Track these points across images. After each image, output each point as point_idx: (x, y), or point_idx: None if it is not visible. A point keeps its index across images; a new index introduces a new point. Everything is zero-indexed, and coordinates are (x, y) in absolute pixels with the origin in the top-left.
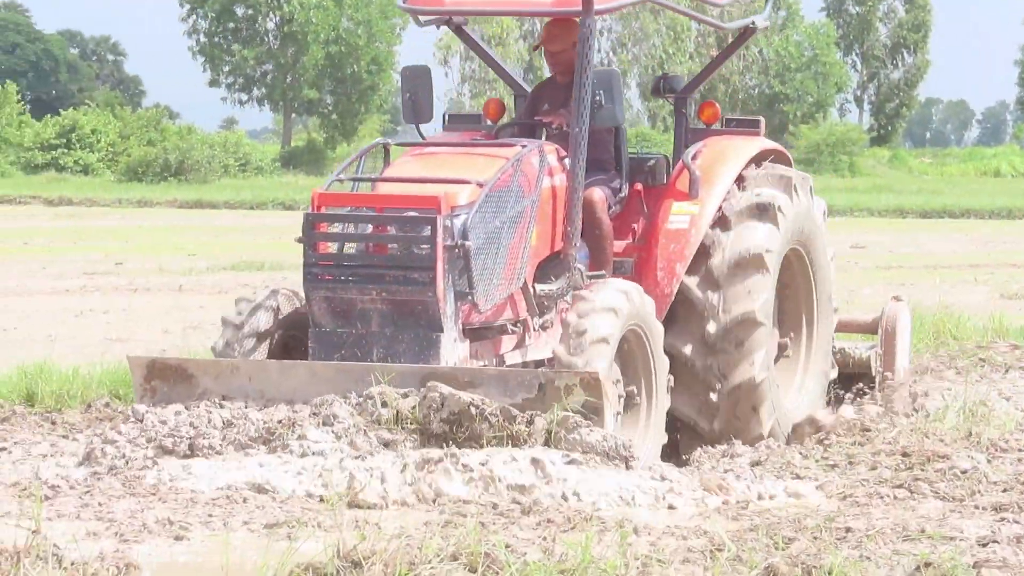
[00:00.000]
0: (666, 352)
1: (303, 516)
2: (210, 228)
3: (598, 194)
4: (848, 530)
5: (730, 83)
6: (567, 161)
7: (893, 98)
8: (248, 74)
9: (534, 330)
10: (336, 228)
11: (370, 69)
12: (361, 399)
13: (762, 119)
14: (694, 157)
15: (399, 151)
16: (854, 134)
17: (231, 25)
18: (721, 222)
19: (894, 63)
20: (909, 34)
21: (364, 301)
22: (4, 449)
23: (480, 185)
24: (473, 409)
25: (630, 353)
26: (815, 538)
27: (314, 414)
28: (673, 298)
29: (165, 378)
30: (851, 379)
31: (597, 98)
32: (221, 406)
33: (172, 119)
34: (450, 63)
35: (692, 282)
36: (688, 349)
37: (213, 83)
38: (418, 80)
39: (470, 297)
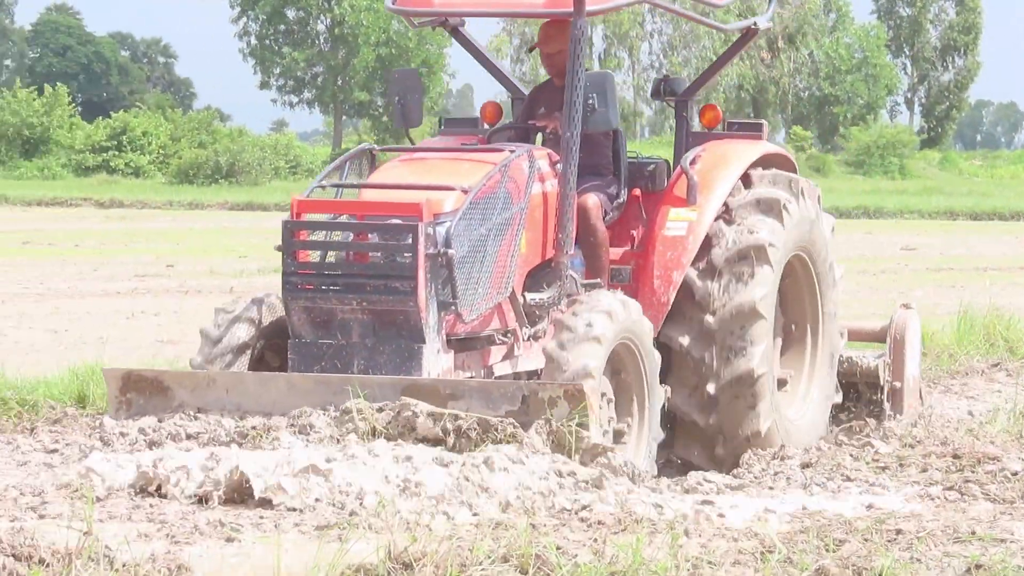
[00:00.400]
0: (664, 344)
1: (353, 519)
2: (261, 230)
3: (592, 200)
4: (899, 532)
5: (780, 85)
6: (559, 166)
7: (943, 100)
8: (299, 76)
9: (524, 340)
10: (318, 236)
11: (421, 71)
12: (339, 413)
13: (765, 123)
14: (693, 162)
15: (385, 159)
16: (904, 136)
17: (282, 27)
18: (725, 215)
19: (944, 65)
20: (959, 36)
21: (344, 311)
22: (56, 451)
23: (465, 192)
24: (448, 426)
25: (621, 363)
26: (866, 540)
27: (291, 425)
28: (670, 307)
29: (140, 390)
30: (857, 387)
31: (590, 101)
32: (195, 418)
33: (223, 121)
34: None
35: (692, 273)
36: (686, 340)
37: (264, 85)
38: (407, 84)
39: (453, 307)
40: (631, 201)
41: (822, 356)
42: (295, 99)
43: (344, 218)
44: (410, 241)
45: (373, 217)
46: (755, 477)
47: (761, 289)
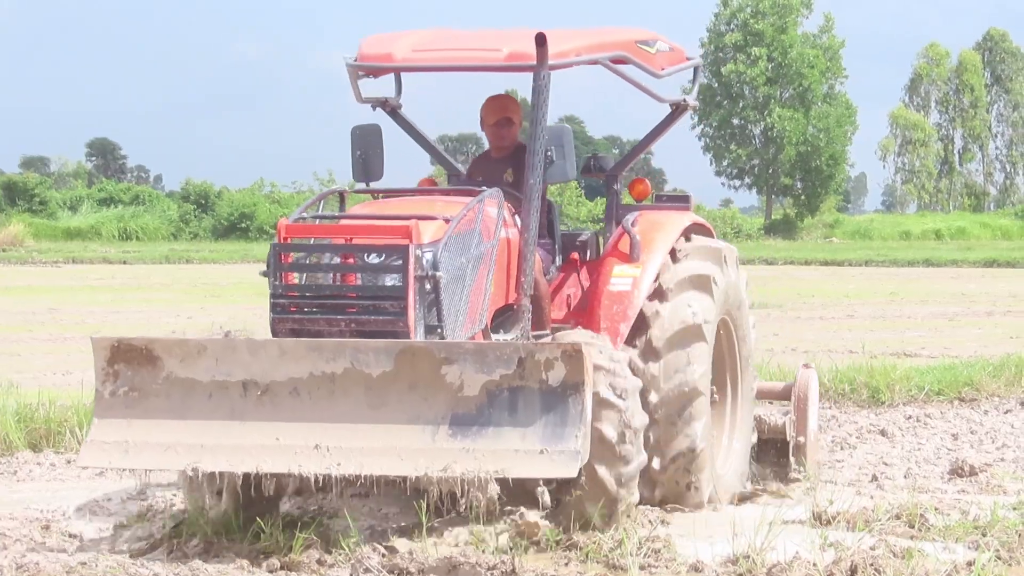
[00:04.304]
0: None
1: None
2: None
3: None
4: None
5: None
6: (517, 219)
7: None
8: (741, 167)
9: None
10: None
11: (828, 163)
12: None
13: (691, 195)
14: (632, 224)
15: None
16: None
17: (728, 132)
18: (659, 294)
19: None
20: None
21: (332, 333)
22: None
23: (447, 221)
24: None
25: None
26: None
27: None
28: None
29: (129, 361)
30: (765, 444)
31: (549, 153)
32: None
33: None
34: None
35: (633, 354)
36: None
37: (717, 173)
38: (368, 139)
39: (439, 331)
40: (569, 266)
41: (742, 408)
42: (738, 183)
43: (332, 241)
44: (401, 262)
45: (362, 239)
46: None
47: (700, 367)
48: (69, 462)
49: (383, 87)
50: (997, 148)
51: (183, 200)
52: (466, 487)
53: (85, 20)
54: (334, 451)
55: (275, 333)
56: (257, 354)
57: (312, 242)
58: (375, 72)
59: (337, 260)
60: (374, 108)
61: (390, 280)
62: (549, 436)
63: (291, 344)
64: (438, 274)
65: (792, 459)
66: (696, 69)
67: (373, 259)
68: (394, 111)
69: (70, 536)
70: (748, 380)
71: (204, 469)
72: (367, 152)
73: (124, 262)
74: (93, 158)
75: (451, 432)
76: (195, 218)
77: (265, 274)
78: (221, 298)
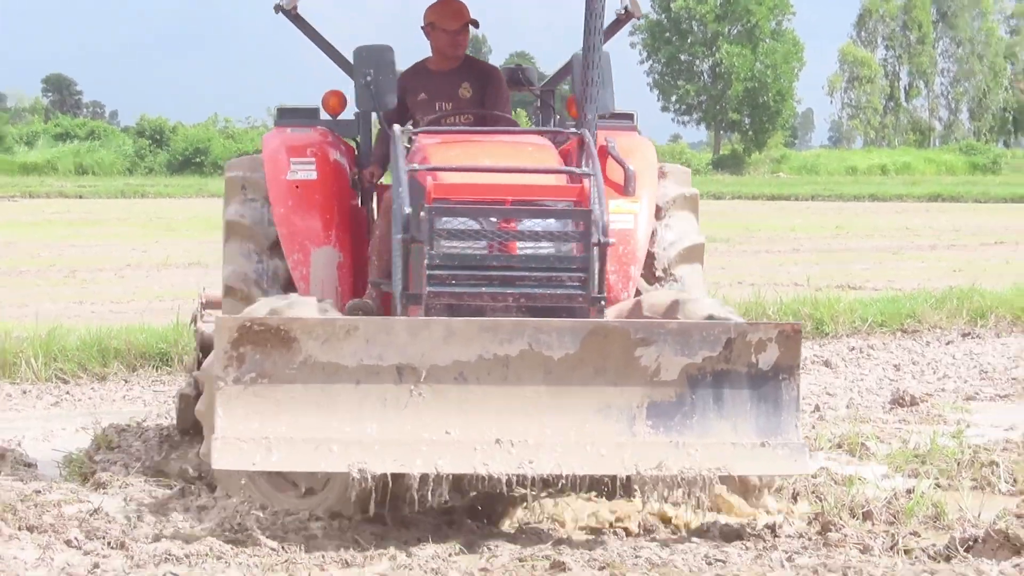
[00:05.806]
0: None
1: None
2: None
3: None
4: None
5: None
6: None
7: None
8: (689, 103)
9: None
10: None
11: (776, 99)
12: None
13: (635, 112)
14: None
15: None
16: None
17: (676, 68)
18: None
19: None
20: None
21: (497, 309)
22: None
23: (588, 176)
24: None
25: None
26: None
27: None
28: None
29: (259, 343)
30: None
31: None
32: None
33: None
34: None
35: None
36: None
37: (664, 109)
38: (379, 61)
39: (601, 303)
40: None
41: None
42: (687, 119)
43: (489, 204)
44: (583, 229)
45: (525, 203)
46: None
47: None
48: (25, 393)
49: None
50: (943, 84)
51: (138, 135)
52: (687, 487)
53: None
54: (518, 446)
55: (427, 309)
56: (418, 335)
57: (470, 204)
58: None
59: (496, 223)
60: (276, 11)
61: (568, 249)
62: (764, 427)
63: (460, 324)
64: (611, 241)
65: None
66: None
67: (539, 224)
68: (297, 16)
69: (25, 465)
70: None
71: (373, 471)
72: (377, 75)
73: (80, 196)
74: (49, 94)
75: (651, 423)
76: (150, 153)
77: (408, 239)
78: (176, 232)
